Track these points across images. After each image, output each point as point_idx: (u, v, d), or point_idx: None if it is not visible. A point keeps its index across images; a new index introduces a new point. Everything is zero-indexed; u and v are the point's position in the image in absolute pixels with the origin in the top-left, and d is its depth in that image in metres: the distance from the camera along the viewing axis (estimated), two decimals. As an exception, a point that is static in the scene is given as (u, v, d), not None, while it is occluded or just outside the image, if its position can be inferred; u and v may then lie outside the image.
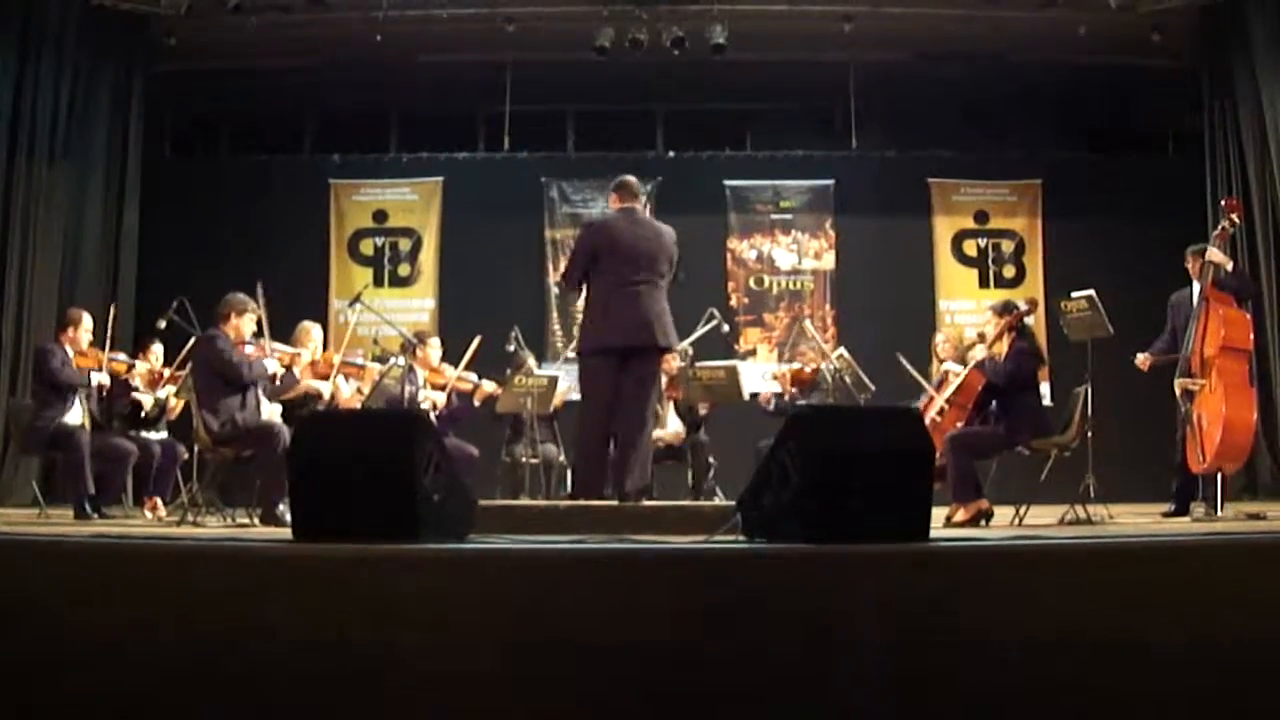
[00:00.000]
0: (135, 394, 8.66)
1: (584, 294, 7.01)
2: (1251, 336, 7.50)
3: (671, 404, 9.26)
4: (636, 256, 6.75)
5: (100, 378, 8.22)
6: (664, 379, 9.13)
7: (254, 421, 7.16)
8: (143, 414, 8.69)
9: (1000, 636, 3.14)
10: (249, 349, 7.49)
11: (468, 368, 8.95)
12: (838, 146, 12.77)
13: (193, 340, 8.15)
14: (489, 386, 9.03)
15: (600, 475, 6.79)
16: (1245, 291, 7.76)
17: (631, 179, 7.16)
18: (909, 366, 8.56)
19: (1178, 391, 7.49)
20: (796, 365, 9.60)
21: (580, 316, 7.14)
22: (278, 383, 7.66)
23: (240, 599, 3.23)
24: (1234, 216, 7.58)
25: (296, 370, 7.92)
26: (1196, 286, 7.49)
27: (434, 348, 9.09)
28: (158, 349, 8.91)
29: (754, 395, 9.67)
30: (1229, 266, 7.43)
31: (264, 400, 7.46)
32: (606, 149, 12.93)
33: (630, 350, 6.73)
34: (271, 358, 7.48)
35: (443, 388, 8.83)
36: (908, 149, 12.81)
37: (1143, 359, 7.76)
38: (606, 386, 6.79)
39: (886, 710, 3.05)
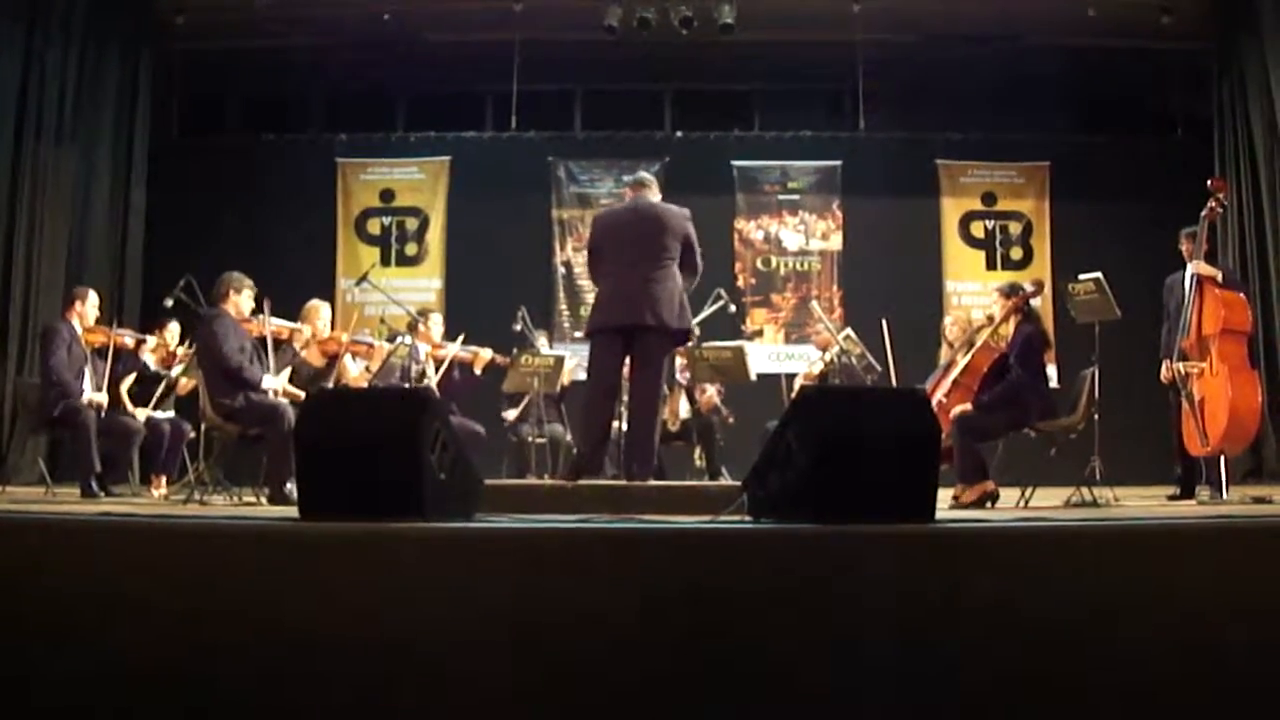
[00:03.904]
0: (150, 370, 8.68)
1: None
2: (1249, 317, 7.48)
3: (681, 388, 9.28)
4: (636, 239, 6.80)
5: (99, 397, 8.17)
6: (680, 363, 9.17)
7: (262, 399, 7.15)
8: (160, 385, 8.70)
9: (1005, 617, 3.15)
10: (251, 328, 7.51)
11: (476, 331, 8.98)
12: (846, 127, 12.75)
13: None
14: (486, 354, 9.06)
15: (599, 455, 6.82)
16: (1242, 291, 7.71)
17: (646, 175, 7.25)
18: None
19: (1170, 375, 7.47)
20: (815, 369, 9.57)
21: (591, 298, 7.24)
22: (277, 387, 7.59)
23: (246, 577, 3.24)
24: (1221, 196, 7.54)
25: (296, 345, 7.91)
26: (1189, 269, 7.46)
27: (436, 324, 9.11)
28: (174, 328, 8.92)
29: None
30: (1219, 277, 7.39)
31: (270, 377, 7.42)
32: (614, 129, 12.93)
33: (632, 330, 6.74)
34: (271, 376, 7.41)
35: (443, 361, 8.84)
36: (916, 130, 12.78)
37: (1166, 370, 7.65)
38: (610, 366, 6.85)
39: (891, 690, 3.06)
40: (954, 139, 12.79)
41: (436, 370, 8.82)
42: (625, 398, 7.13)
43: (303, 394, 7.46)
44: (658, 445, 7.17)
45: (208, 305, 7.54)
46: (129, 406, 8.62)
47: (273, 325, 7.60)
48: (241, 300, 7.44)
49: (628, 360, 6.91)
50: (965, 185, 12.78)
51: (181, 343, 8.80)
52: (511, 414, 9.63)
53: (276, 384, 7.41)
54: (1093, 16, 11.27)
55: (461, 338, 9.01)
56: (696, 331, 8.82)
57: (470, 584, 3.20)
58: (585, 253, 7.36)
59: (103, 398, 8.19)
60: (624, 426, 7.14)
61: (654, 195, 7.10)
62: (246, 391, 7.13)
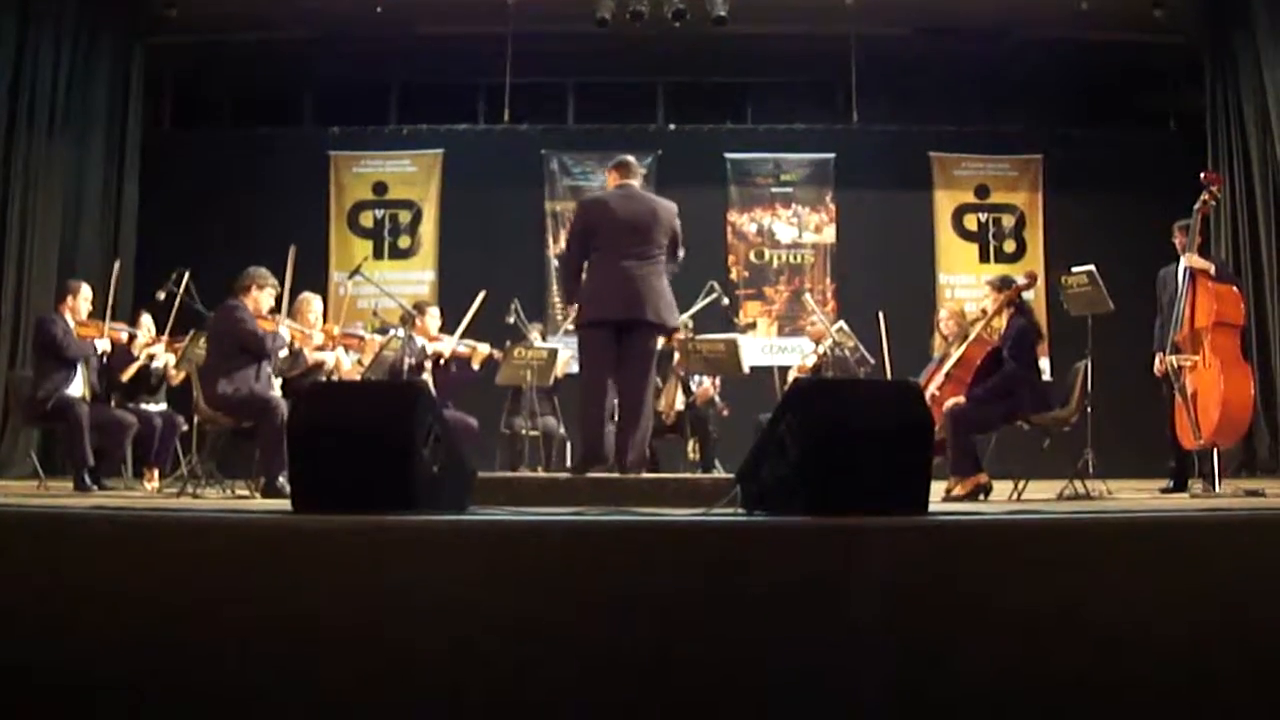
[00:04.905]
0: (141, 359, 8.66)
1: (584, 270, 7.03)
2: (1242, 310, 7.49)
3: (677, 380, 9.28)
4: (631, 231, 6.79)
5: (103, 344, 8.20)
6: (674, 355, 9.16)
7: (262, 393, 7.16)
8: (150, 377, 8.69)
9: (998, 610, 3.15)
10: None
11: (471, 325, 8.94)
12: (839, 120, 12.73)
13: (177, 306, 8.28)
14: (485, 349, 9.05)
15: (602, 445, 6.82)
16: (1235, 284, 7.72)
17: (629, 158, 7.22)
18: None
19: (1163, 369, 7.48)
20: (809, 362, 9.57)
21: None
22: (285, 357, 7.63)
23: (239, 570, 3.24)
24: (1214, 189, 7.55)
25: (307, 350, 7.92)
26: (1183, 262, 7.47)
27: (433, 317, 9.11)
28: (147, 320, 8.89)
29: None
30: (1211, 270, 7.40)
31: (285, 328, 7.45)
32: (607, 121, 12.94)
33: (625, 324, 6.76)
34: (284, 327, 7.46)
35: (441, 355, 8.84)
36: (909, 123, 12.77)
37: (1159, 363, 7.66)
38: (604, 359, 6.85)
39: (885, 682, 3.06)
40: (947, 132, 12.79)
41: (436, 364, 8.81)
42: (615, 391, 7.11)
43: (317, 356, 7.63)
44: (650, 437, 7.19)
45: (216, 297, 7.54)
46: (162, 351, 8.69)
47: (287, 326, 7.58)
48: (262, 297, 7.46)
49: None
50: (958, 178, 12.79)
51: (161, 333, 8.76)
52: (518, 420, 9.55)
53: (285, 335, 7.45)
54: (1085, 10, 11.27)
55: (478, 301, 8.92)
56: (690, 325, 8.85)
57: (463, 577, 3.20)
58: (571, 234, 7.23)
59: (106, 344, 8.20)
60: (615, 419, 7.13)
61: (637, 180, 7.10)
62: (239, 385, 7.13)
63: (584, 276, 6.97)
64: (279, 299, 7.55)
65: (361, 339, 8.37)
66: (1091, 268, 7.74)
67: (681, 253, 7.07)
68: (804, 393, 4.18)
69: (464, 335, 8.96)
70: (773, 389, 9.62)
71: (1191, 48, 11.93)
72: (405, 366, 8.35)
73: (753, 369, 9.60)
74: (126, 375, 8.57)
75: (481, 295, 8.95)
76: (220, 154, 12.70)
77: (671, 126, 12.94)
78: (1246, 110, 10.91)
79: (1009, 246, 12.67)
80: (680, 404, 9.27)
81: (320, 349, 8.01)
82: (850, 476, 3.70)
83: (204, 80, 13.33)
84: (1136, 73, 12.86)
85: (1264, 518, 3.77)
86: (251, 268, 7.54)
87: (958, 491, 6.95)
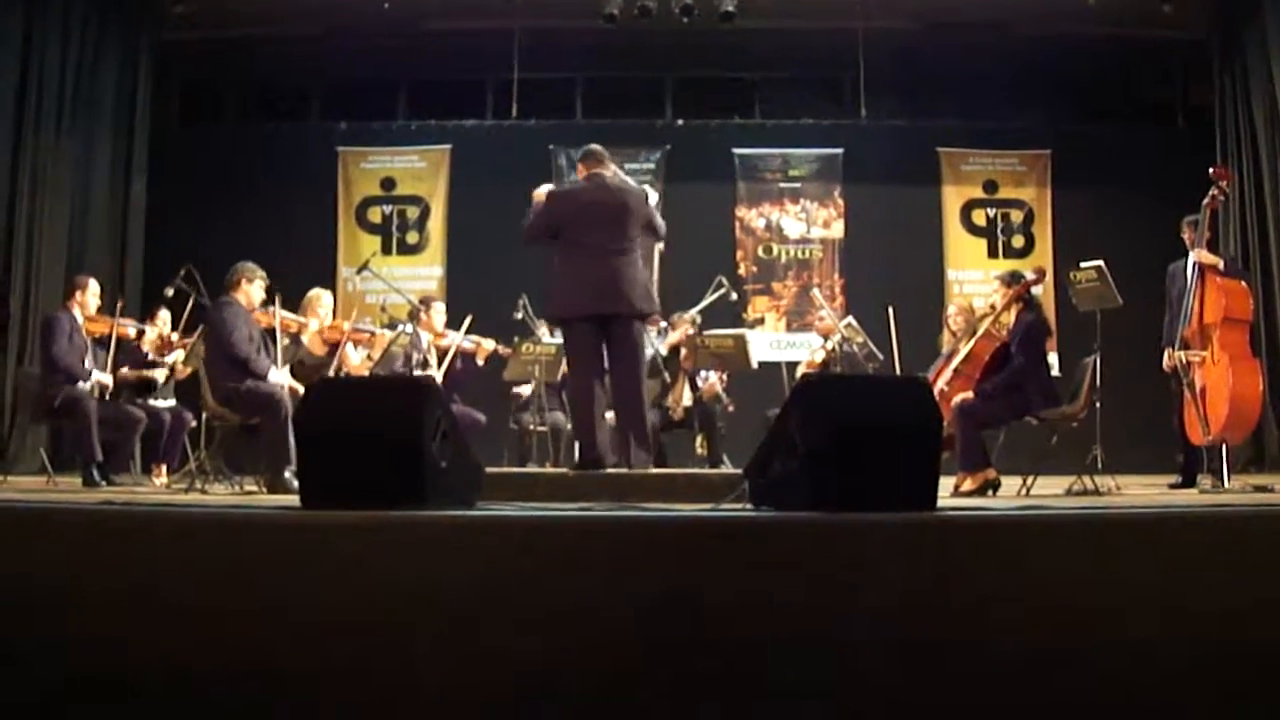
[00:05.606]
0: (148, 370, 8.70)
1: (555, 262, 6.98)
2: (1251, 306, 7.48)
3: (685, 376, 9.28)
4: (603, 223, 6.76)
5: (104, 378, 8.21)
6: (681, 351, 9.16)
7: (260, 387, 7.16)
8: (154, 389, 8.73)
9: (1006, 606, 3.15)
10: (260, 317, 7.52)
11: (477, 319, 8.98)
12: (847, 115, 12.73)
13: (191, 304, 8.38)
14: (489, 344, 9.07)
15: (597, 444, 6.80)
16: (1243, 279, 7.71)
17: (597, 147, 7.17)
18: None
19: (1172, 364, 7.47)
20: (817, 357, 9.57)
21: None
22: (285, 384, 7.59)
23: (247, 565, 3.24)
24: (1223, 184, 7.54)
25: (304, 338, 7.92)
26: (1191, 257, 7.46)
27: (438, 312, 9.12)
28: (165, 315, 8.93)
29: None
30: (1220, 265, 7.39)
31: (276, 371, 7.45)
32: (615, 117, 12.94)
33: (608, 318, 6.74)
34: (277, 370, 7.43)
35: (446, 351, 8.86)
36: (917, 118, 12.79)
37: (1168, 358, 7.65)
38: (593, 353, 6.84)
39: (891, 679, 3.06)
40: (955, 127, 12.79)
41: (440, 360, 8.82)
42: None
43: (303, 389, 7.51)
44: (659, 431, 7.16)
45: (221, 293, 7.57)
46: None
47: (281, 318, 7.60)
48: (253, 290, 7.49)
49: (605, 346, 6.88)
50: (967, 173, 12.77)
51: (174, 329, 8.80)
52: (526, 389, 9.51)
53: (283, 378, 7.42)
54: (1093, 5, 11.26)
55: (467, 321, 8.99)
56: (698, 320, 8.86)
57: (471, 572, 3.20)
58: (533, 217, 7.06)
59: (108, 379, 8.23)
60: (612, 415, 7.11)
61: (608, 170, 7.06)
62: (248, 378, 7.15)
63: (557, 270, 6.94)
64: (270, 291, 7.57)
65: (371, 334, 8.38)
66: (1100, 263, 7.73)
67: (662, 227, 7.04)
68: (812, 388, 4.18)
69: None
70: (781, 384, 9.62)
71: (1199, 42, 11.90)
72: (414, 362, 8.36)
73: (761, 364, 9.61)
74: (121, 374, 8.59)
75: (468, 319, 9.00)
76: (228, 150, 12.74)
77: (680, 122, 12.94)
78: (1255, 105, 10.90)
79: (1017, 242, 12.66)
80: (688, 399, 9.27)
81: (322, 335, 8.00)
82: (858, 472, 3.68)
83: (211, 77, 13.37)
84: (1144, 68, 12.87)
85: (1272, 513, 3.76)
86: (240, 263, 7.58)
87: (966, 487, 6.95)
